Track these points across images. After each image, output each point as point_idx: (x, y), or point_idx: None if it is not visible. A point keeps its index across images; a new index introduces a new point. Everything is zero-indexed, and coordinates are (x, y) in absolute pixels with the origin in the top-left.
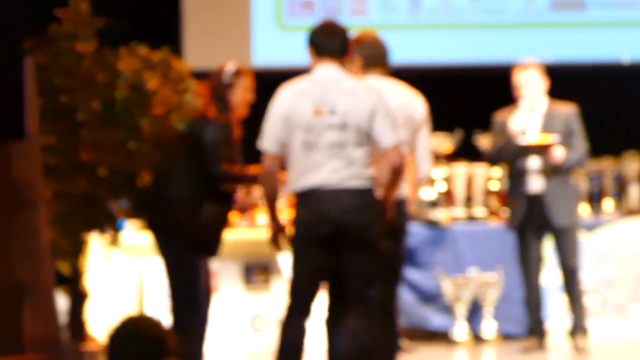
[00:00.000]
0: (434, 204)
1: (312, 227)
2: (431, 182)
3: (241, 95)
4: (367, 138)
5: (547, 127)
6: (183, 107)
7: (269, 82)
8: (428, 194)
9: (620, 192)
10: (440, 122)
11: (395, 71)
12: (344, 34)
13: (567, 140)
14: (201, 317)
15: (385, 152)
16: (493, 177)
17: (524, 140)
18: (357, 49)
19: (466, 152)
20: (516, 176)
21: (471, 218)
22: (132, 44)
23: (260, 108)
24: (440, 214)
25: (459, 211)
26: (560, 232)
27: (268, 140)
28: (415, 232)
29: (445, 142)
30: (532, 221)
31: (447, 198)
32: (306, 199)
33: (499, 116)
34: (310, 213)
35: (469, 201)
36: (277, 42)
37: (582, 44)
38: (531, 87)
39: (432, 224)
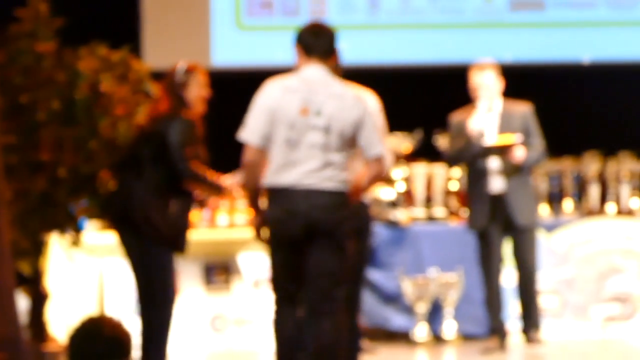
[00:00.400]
0: (393, 204)
1: (283, 223)
2: (391, 182)
3: (196, 92)
4: (348, 144)
5: (504, 127)
6: (142, 107)
7: (228, 81)
8: (388, 194)
9: (580, 192)
10: (399, 122)
11: (354, 71)
12: (332, 34)
13: (525, 139)
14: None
15: (368, 162)
16: (453, 177)
17: (487, 141)
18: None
19: (426, 152)
20: (476, 177)
21: (431, 218)
22: (92, 43)
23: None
24: (400, 214)
25: (419, 211)
26: (521, 232)
27: (252, 133)
28: (376, 233)
29: (405, 142)
30: (494, 221)
31: (407, 198)
32: (279, 196)
33: (456, 117)
34: (281, 210)
35: (428, 201)
36: (236, 42)
37: (541, 44)
38: (488, 87)
39: (392, 224)
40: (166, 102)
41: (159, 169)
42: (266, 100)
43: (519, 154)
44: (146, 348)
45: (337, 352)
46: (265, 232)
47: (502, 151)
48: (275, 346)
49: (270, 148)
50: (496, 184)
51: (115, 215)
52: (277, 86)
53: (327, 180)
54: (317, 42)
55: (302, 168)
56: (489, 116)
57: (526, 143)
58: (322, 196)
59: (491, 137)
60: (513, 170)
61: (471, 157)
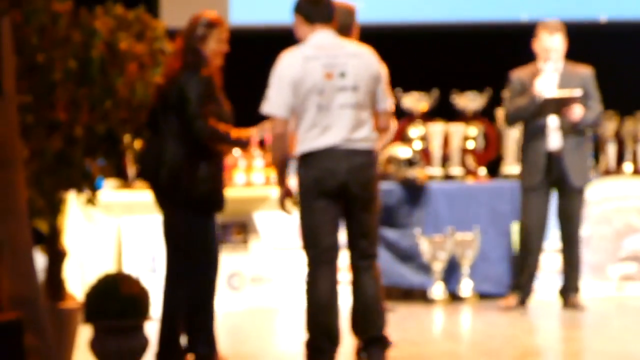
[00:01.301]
0: (410, 163)
1: (320, 181)
2: (408, 140)
3: (215, 47)
4: (372, 100)
5: (565, 87)
6: (158, 66)
7: (246, 39)
8: (405, 152)
9: (597, 152)
10: (416, 81)
11: (370, 30)
12: (329, 0)
13: (583, 101)
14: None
15: (379, 115)
16: (470, 136)
17: (550, 93)
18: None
19: (442, 111)
20: (534, 134)
21: (448, 177)
22: (108, 3)
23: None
24: (417, 173)
25: (436, 170)
26: (572, 192)
27: (277, 105)
28: (392, 191)
29: (421, 101)
30: (546, 179)
31: (424, 157)
32: (317, 158)
33: (517, 75)
34: (319, 169)
35: (445, 160)
36: (253, 1)
37: (557, 3)
38: (557, 50)
39: (409, 183)
40: (182, 56)
41: (183, 129)
42: (288, 72)
43: (577, 111)
44: (196, 317)
45: (381, 303)
46: (292, 202)
47: (563, 104)
48: (307, 309)
49: (301, 116)
50: (554, 141)
51: (147, 180)
52: (296, 56)
53: (362, 140)
54: (316, 9)
55: (337, 130)
56: (552, 77)
57: (584, 105)
58: (358, 156)
59: (552, 92)
60: (570, 129)
61: (532, 113)
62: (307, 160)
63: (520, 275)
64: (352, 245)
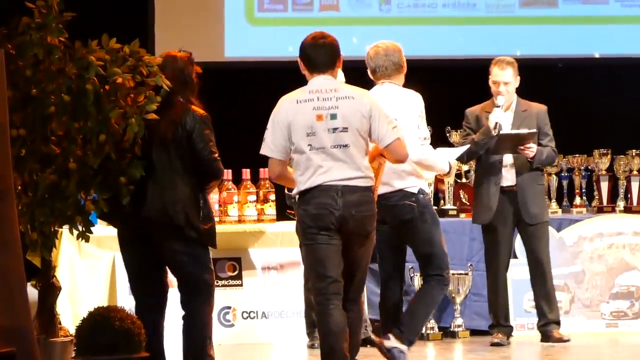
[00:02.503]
0: None
1: (318, 216)
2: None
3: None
4: (366, 139)
5: (519, 124)
6: (152, 101)
7: (240, 73)
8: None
9: (590, 189)
10: None
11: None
12: (331, 45)
13: (537, 138)
14: None
15: (388, 150)
16: (463, 171)
17: (505, 129)
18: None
19: (436, 146)
20: (488, 170)
21: (441, 212)
22: (102, 36)
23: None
24: None
25: None
26: (532, 226)
27: (273, 148)
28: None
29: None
30: (502, 215)
31: None
32: (314, 195)
33: (472, 111)
34: (317, 205)
35: (439, 196)
36: (247, 36)
37: (551, 40)
38: (508, 85)
39: None
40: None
41: (188, 167)
42: (282, 115)
43: (532, 149)
44: (204, 345)
45: (359, 338)
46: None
47: (519, 140)
48: (322, 338)
49: (296, 158)
50: (508, 177)
51: (155, 219)
52: (289, 100)
53: (357, 178)
54: (317, 56)
55: (331, 170)
56: (505, 114)
57: (538, 142)
58: (355, 193)
59: (507, 129)
60: (525, 166)
61: (487, 150)
62: (304, 198)
63: (497, 313)
64: (348, 279)
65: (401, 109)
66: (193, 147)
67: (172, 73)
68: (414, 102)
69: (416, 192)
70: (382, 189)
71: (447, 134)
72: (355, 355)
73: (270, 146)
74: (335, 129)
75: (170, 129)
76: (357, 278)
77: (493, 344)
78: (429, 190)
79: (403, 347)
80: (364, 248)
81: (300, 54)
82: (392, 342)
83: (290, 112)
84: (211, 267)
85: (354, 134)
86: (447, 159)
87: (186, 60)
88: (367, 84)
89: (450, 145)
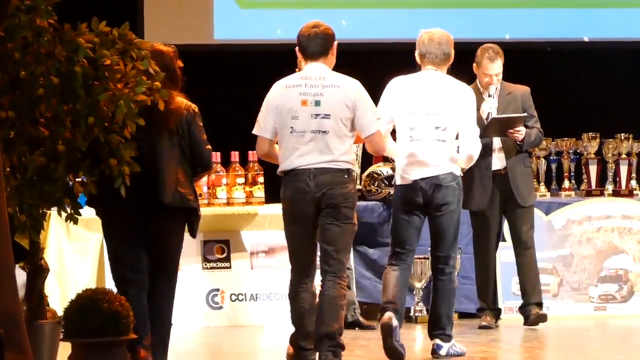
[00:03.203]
0: (392, 181)
1: (294, 202)
2: (389, 159)
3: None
4: (348, 127)
5: (504, 109)
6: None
7: (229, 56)
8: (386, 171)
9: (579, 173)
10: None
11: (354, 47)
12: (324, 35)
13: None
14: None
15: (369, 140)
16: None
17: (495, 114)
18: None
19: None
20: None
21: None
22: (92, 20)
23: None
24: None
25: None
26: (520, 210)
27: (263, 128)
28: (374, 210)
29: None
30: (493, 200)
31: None
32: (291, 178)
33: None
34: (293, 190)
35: None
36: (236, 19)
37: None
38: (497, 76)
39: (390, 202)
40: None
41: (183, 155)
42: (272, 98)
43: (521, 132)
44: (168, 324)
45: (340, 306)
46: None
47: (508, 124)
48: (292, 316)
49: (281, 139)
50: (497, 161)
51: (148, 199)
52: (280, 85)
53: (332, 161)
54: (310, 44)
55: (309, 154)
56: (492, 99)
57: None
58: (328, 174)
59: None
60: (512, 149)
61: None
62: (284, 180)
63: (486, 296)
64: (322, 252)
65: (457, 101)
66: (192, 137)
67: (159, 68)
68: (471, 95)
69: (459, 175)
70: (435, 171)
71: None
72: (332, 328)
73: (260, 126)
74: (317, 115)
75: (174, 118)
76: (334, 255)
77: (481, 327)
78: None
79: (449, 344)
80: (339, 227)
81: (297, 40)
82: (443, 349)
83: (278, 95)
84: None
85: (335, 122)
86: None
87: (172, 55)
88: (355, 66)
89: None
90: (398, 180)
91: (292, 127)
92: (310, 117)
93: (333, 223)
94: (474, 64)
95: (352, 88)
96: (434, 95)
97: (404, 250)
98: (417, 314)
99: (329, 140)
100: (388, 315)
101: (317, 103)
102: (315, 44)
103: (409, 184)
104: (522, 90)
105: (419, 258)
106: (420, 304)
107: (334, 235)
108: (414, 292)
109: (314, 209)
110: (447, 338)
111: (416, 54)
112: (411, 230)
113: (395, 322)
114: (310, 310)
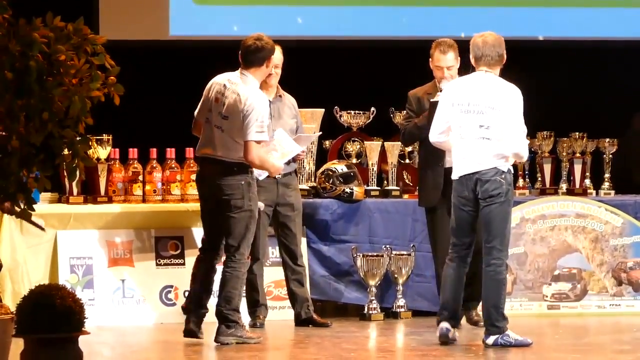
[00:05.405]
0: (346, 179)
1: (199, 188)
2: (345, 157)
3: None
4: (240, 129)
5: None
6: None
7: (184, 52)
8: (342, 169)
9: (533, 171)
10: (354, 97)
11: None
12: (254, 48)
13: None
14: None
15: (244, 145)
16: (407, 153)
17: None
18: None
19: (380, 128)
20: (431, 153)
21: (385, 194)
22: (47, 15)
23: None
24: (354, 189)
25: (372, 186)
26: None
27: (198, 112)
28: (329, 207)
29: (360, 118)
30: (445, 197)
31: (360, 173)
32: (199, 164)
33: (414, 94)
34: (198, 175)
35: (382, 176)
36: (192, 15)
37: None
38: (451, 69)
39: (345, 199)
40: None
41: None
42: (206, 89)
43: None
44: None
45: (232, 287)
46: None
47: None
48: (190, 282)
49: (202, 128)
50: (450, 158)
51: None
52: (214, 79)
53: (222, 155)
54: (243, 53)
55: (211, 145)
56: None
57: None
58: (214, 164)
59: None
60: None
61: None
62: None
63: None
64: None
65: (506, 102)
66: None
67: None
68: (517, 95)
69: (506, 170)
70: (478, 167)
71: (391, 115)
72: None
73: (197, 110)
74: (220, 113)
75: None
76: (227, 240)
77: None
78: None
79: (496, 335)
80: (222, 216)
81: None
82: (490, 338)
83: (208, 87)
84: None
85: (230, 123)
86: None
87: None
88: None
89: (394, 128)
90: (453, 175)
91: (207, 118)
92: (218, 114)
93: (217, 214)
94: (430, 59)
95: (249, 99)
96: (481, 95)
97: (456, 241)
98: (398, 310)
99: (225, 137)
100: (444, 326)
101: (223, 104)
102: (247, 53)
103: (457, 179)
104: None
105: (401, 254)
106: (402, 300)
107: (226, 228)
108: (397, 288)
109: (208, 198)
110: (495, 329)
111: (471, 57)
112: (462, 222)
113: (451, 334)
114: (205, 282)
